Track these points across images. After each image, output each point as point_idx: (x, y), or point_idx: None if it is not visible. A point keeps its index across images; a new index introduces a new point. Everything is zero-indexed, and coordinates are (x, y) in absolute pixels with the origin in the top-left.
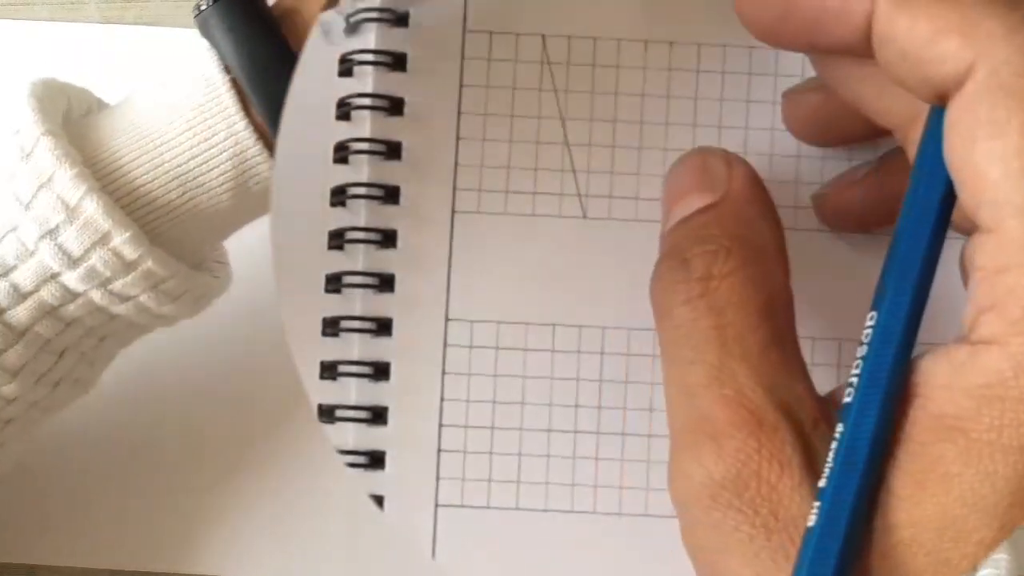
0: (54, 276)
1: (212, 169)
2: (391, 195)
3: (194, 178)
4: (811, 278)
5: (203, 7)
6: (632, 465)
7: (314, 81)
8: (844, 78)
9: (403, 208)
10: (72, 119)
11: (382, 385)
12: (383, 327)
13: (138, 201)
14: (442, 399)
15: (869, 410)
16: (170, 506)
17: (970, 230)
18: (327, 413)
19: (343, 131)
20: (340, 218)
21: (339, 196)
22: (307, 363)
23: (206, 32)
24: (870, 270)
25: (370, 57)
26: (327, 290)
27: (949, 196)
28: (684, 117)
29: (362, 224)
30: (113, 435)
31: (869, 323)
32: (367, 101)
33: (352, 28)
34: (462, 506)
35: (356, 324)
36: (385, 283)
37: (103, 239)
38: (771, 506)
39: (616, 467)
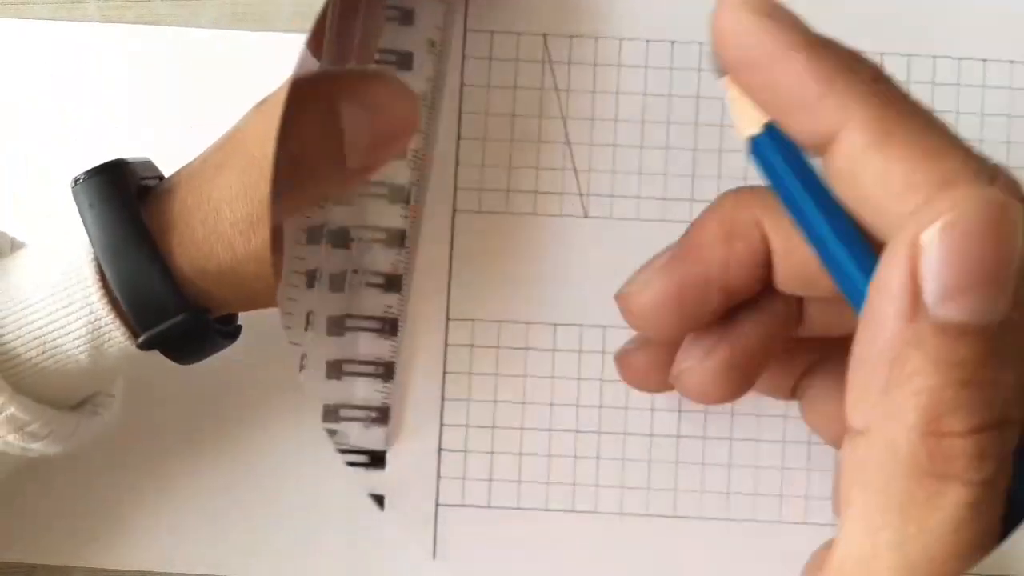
0: None
1: (68, 334)
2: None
3: (52, 340)
4: None
5: (78, 180)
6: (633, 464)
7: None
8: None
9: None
10: None
11: (383, 384)
12: (387, 326)
13: (3, 356)
14: (443, 398)
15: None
16: (170, 506)
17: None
18: (332, 412)
19: None
20: (344, 217)
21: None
22: (309, 362)
23: (77, 204)
24: None
25: (376, 56)
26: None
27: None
28: (686, 116)
29: (368, 223)
30: (113, 435)
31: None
32: None
33: None
34: (463, 505)
35: (362, 323)
36: (391, 283)
37: None
38: None
39: (617, 466)
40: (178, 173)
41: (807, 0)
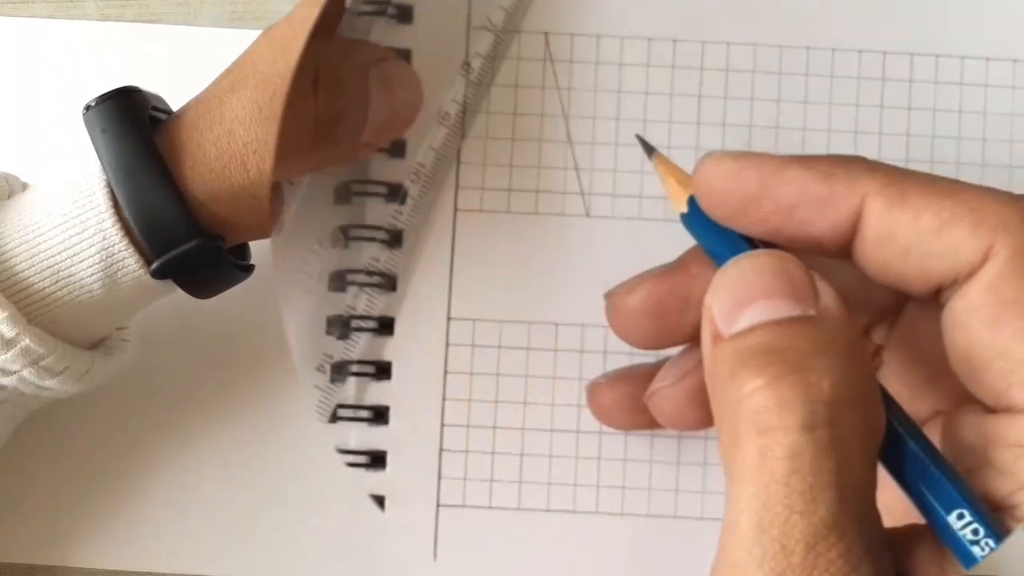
0: None
1: (81, 261)
2: (395, 193)
3: (65, 268)
4: None
5: (90, 106)
6: (634, 465)
7: None
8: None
9: (409, 207)
10: None
11: (384, 384)
12: (385, 326)
13: (16, 286)
14: (444, 398)
15: None
16: (170, 506)
17: (991, 407)
18: (330, 412)
19: None
20: (345, 215)
21: (343, 194)
22: (309, 361)
23: (89, 130)
24: None
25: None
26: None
27: None
28: (688, 115)
29: (367, 222)
30: (113, 435)
31: None
32: None
33: None
34: (464, 506)
35: (360, 324)
36: (388, 283)
37: None
38: None
39: (619, 467)
40: (187, 104)
41: (812, 1)
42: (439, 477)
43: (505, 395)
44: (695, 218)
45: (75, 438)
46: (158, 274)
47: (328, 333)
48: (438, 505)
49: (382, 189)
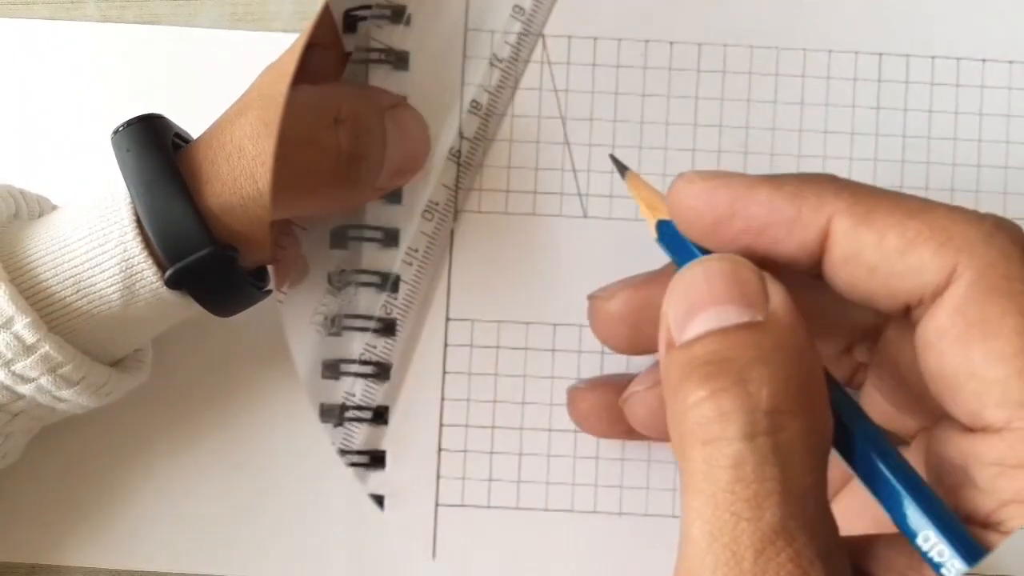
0: None
1: (102, 272)
2: (394, 194)
3: (87, 278)
4: None
5: (118, 130)
6: (633, 464)
7: None
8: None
9: (405, 206)
10: (19, 219)
11: (383, 384)
12: (386, 326)
13: (40, 294)
14: (442, 398)
15: None
16: (170, 506)
17: (970, 427)
18: (329, 412)
19: None
20: (342, 218)
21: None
22: (308, 362)
23: (116, 151)
24: None
25: (373, 55)
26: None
27: None
28: (684, 117)
29: (366, 223)
30: (113, 435)
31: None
32: None
33: None
34: (462, 506)
35: (359, 324)
36: (386, 282)
37: (6, 323)
38: None
39: (617, 467)
40: (203, 131)
41: (808, 2)
42: (438, 477)
43: (503, 395)
44: (666, 238)
45: (75, 438)
46: (172, 282)
47: (327, 333)
48: (437, 505)
49: (378, 234)
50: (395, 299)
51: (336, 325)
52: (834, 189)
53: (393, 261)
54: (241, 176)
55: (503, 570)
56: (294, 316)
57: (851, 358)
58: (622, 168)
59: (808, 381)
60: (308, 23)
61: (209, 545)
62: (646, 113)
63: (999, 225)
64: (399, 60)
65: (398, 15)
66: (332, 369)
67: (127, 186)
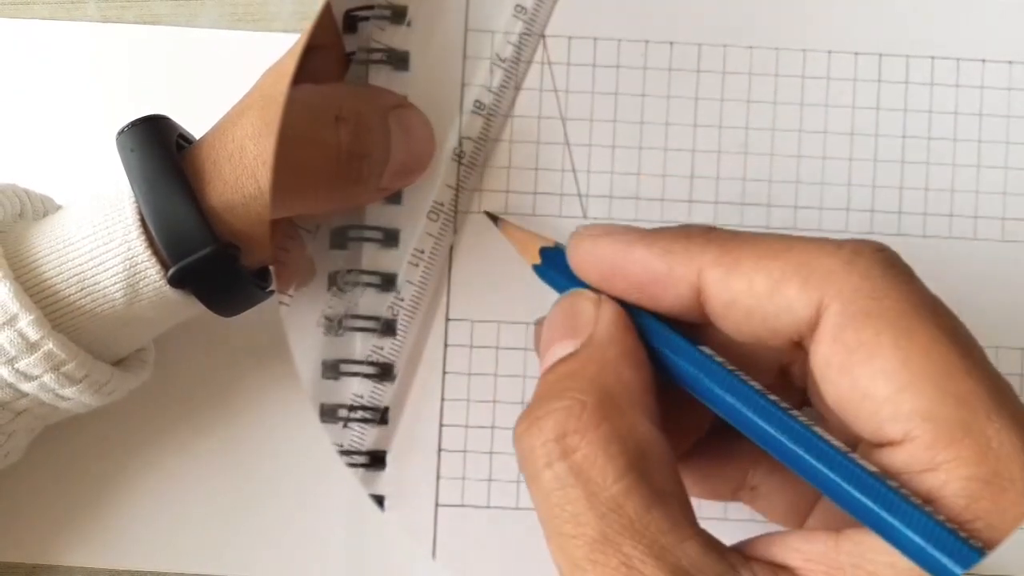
0: None
1: (106, 271)
2: (394, 194)
3: (91, 276)
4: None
5: (123, 131)
6: None
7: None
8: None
9: (405, 206)
10: (24, 219)
11: (383, 385)
12: (390, 327)
13: (44, 292)
14: (442, 399)
15: None
16: (170, 506)
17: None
18: (329, 412)
19: None
20: (343, 219)
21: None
22: (308, 362)
23: (120, 151)
24: None
25: (374, 56)
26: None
27: None
28: (684, 117)
29: (366, 223)
30: (113, 435)
31: None
32: None
33: None
34: (462, 506)
35: (360, 324)
36: (387, 282)
37: (11, 320)
38: None
39: None
40: (206, 132)
41: (808, 3)
42: (438, 477)
43: (503, 395)
44: (546, 274)
45: (75, 438)
46: (175, 280)
47: (327, 333)
48: (437, 505)
49: (378, 235)
50: (402, 301)
51: (339, 326)
52: (703, 242)
53: (393, 261)
54: (243, 175)
55: (503, 570)
56: (295, 316)
57: (789, 378)
58: (495, 219)
59: (615, 392)
60: (308, 23)
61: (209, 545)
62: (646, 113)
63: (858, 250)
64: (400, 61)
65: (399, 16)
66: (332, 369)
67: (131, 185)
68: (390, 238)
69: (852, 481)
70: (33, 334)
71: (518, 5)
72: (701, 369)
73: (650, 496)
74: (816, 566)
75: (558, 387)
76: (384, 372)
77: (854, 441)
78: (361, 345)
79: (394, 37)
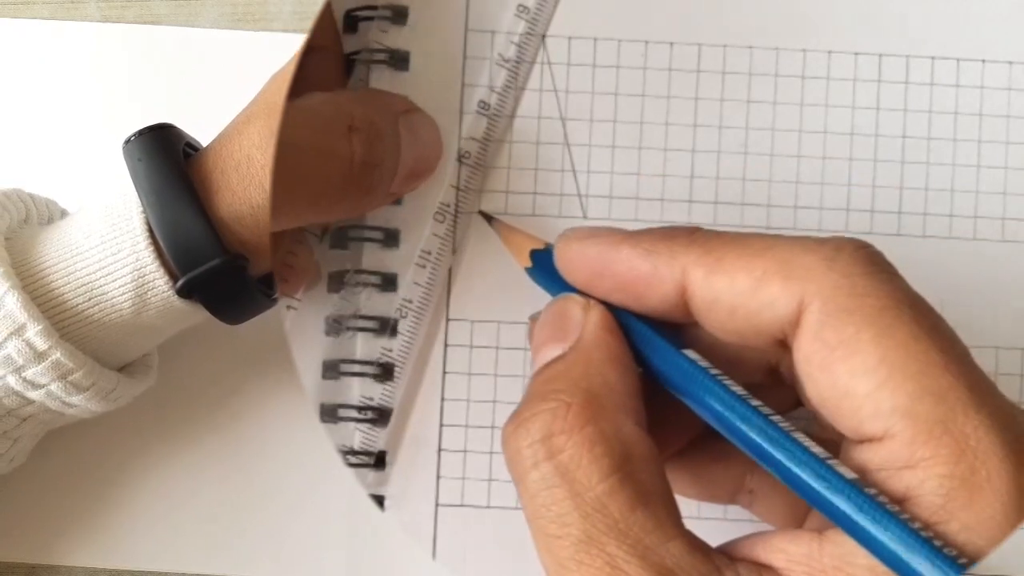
0: None
1: (114, 281)
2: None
3: (99, 287)
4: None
5: (129, 140)
6: None
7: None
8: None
9: (405, 207)
10: (29, 224)
11: (383, 385)
12: (387, 327)
13: (51, 301)
14: (442, 399)
15: None
16: (170, 506)
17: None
18: (329, 412)
19: None
20: (343, 219)
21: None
22: (309, 362)
23: (127, 160)
24: None
25: (374, 56)
26: (329, 290)
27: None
28: (684, 117)
29: (366, 223)
30: (113, 435)
31: None
32: None
33: None
34: (462, 505)
35: (361, 324)
36: (388, 282)
37: (19, 330)
38: None
39: None
40: (212, 140)
41: (808, 3)
42: (438, 477)
43: (503, 395)
44: (537, 276)
45: (76, 439)
46: (184, 291)
47: (328, 333)
48: (437, 505)
49: (378, 235)
50: (410, 303)
51: (342, 326)
52: (686, 242)
53: (394, 262)
54: (251, 185)
55: (503, 570)
56: (296, 317)
57: (778, 376)
58: (489, 219)
59: (600, 394)
60: (308, 23)
61: (209, 545)
62: (646, 113)
63: (839, 248)
64: (400, 61)
65: (399, 16)
66: (333, 369)
67: (139, 195)
68: (390, 238)
69: (829, 487)
70: (41, 344)
71: (520, 5)
72: (682, 373)
73: (635, 497)
74: (799, 567)
75: (545, 389)
76: (384, 372)
77: (841, 439)
78: (362, 345)
79: (395, 37)
